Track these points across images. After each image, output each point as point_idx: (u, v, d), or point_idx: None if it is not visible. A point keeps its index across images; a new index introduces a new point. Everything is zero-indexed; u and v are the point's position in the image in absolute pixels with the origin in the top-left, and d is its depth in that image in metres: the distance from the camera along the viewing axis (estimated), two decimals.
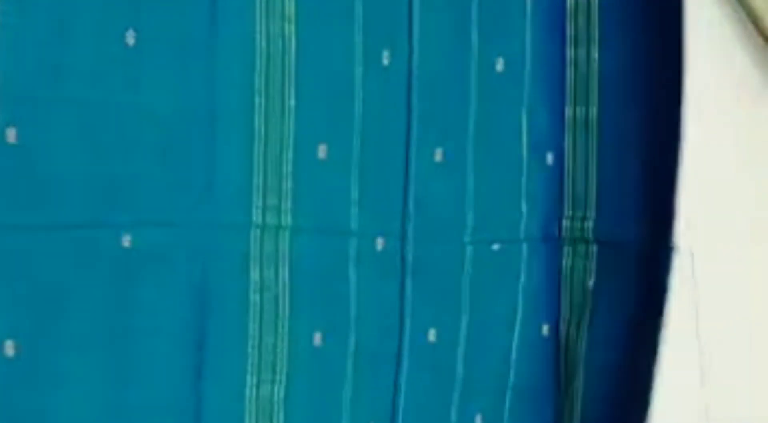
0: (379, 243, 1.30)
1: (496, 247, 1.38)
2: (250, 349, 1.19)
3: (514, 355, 1.41)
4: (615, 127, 1.41)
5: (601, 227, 1.42)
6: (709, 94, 1.54)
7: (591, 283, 1.42)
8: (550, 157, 1.43)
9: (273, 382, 1.21)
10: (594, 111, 1.42)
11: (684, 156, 1.34)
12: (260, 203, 1.19)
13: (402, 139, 1.31)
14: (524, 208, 1.41)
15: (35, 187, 1.05)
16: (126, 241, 1.11)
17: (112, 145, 1.09)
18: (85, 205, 1.08)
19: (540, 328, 1.44)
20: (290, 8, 1.20)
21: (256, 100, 1.19)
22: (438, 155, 1.33)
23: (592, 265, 1.43)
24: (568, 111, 1.43)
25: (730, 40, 1.57)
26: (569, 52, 1.43)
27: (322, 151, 1.24)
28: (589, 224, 1.42)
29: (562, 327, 1.45)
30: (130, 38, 1.10)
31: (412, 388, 1.32)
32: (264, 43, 1.19)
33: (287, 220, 1.21)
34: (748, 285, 1.63)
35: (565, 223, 1.44)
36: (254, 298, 1.19)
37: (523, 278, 1.41)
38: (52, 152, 1.06)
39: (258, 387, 1.20)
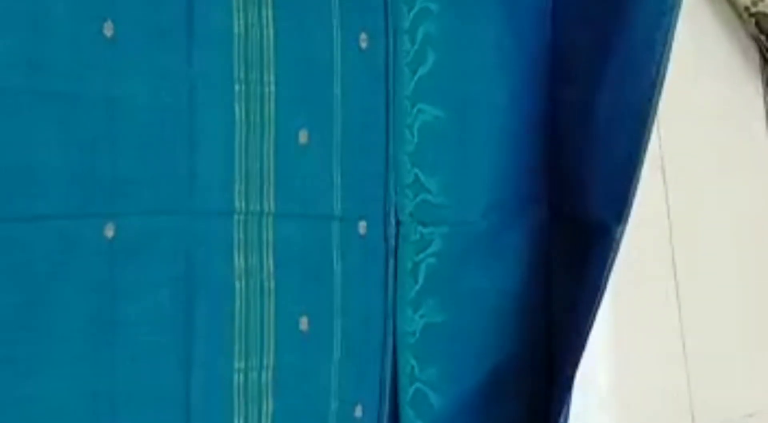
0: (362, 226, 1.30)
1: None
2: (236, 336, 1.19)
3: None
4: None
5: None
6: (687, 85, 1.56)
7: None
8: None
9: (261, 367, 1.21)
10: None
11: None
12: (242, 190, 1.20)
13: (382, 122, 1.31)
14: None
15: (14, 178, 1.05)
16: (109, 230, 1.11)
17: (92, 135, 1.09)
18: (66, 195, 1.08)
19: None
20: None
21: (236, 87, 1.19)
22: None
23: None
24: None
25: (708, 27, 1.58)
26: None
27: (303, 136, 1.24)
28: None
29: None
30: (108, 29, 1.10)
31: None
32: (242, 30, 1.19)
33: (270, 206, 1.22)
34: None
35: None
36: (239, 284, 1.20)
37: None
38: (30, 144, 1.06)
39: (246, 373, 1.20)
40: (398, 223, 1.33)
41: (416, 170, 1.33)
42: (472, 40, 1.38)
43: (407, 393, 1.33)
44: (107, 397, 1.11)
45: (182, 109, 1.15)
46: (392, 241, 1.32)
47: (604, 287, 1.32)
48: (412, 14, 1.33)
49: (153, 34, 1.13)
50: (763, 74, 1.80)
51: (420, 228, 1.34)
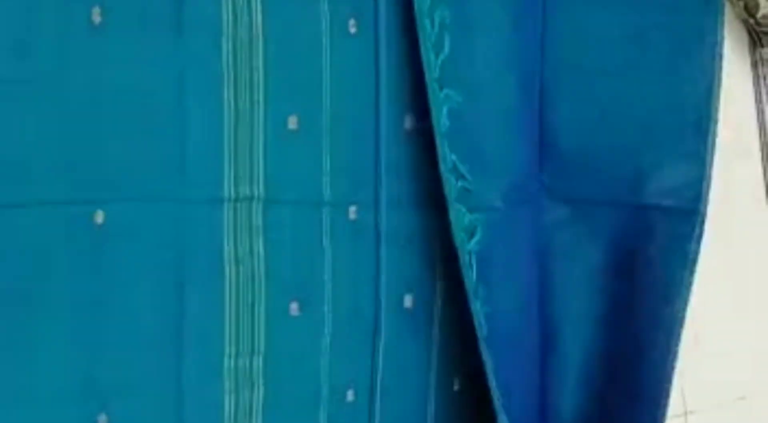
0: (352, 211, 1.30)
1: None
2: (227, 321, 1.20)
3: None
4: None
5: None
6: None
7: None
8: None
9: (252, 353, 1.21)
10: None
11: None
12: (232, 176, 1.20)
13: (371, 106, 1.31)
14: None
15: (4, 165, 1.05)
16: (99, 217, 1.11)
17: (82, 122, 1.09)
18: (55, 182, 1.08)
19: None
20: None
21: (225, 74, 1.19)
22: (408, 122, 1.33)
23: None
24: None
25: None
26: None
27: (292, 122, 1.24)
28: None
29: None
30: (96, 16, 1.10)
31: (389, 353, 1.33)
32: (231, 17, 1.19)
33: (260, 192, 1.22)
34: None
35: None
36: (229, 270, 1.20)
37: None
38: (19, 131, 1.06)
39: (237, 358, 1.20)
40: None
41: (453, 156, 1.32)
42: (482, 26, 1.38)
43: (497, 393, 1.33)
44: (97, 383, 1.11)
45: (171, 96, 1.15)
46: (383, 226, 1.32)
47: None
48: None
49: (141, 21, 1.13)
50: (751, 56, 1.80)
51: (468, 214, 1.33)
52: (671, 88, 1.39)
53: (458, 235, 1.31)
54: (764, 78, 1.82)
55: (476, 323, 1.31)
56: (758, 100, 1.82)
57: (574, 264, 1.45)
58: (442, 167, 1.30)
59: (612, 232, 1.42)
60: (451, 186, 1.31)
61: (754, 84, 1.81)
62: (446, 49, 1.32)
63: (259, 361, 1.22)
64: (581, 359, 1.45)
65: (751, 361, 1.77)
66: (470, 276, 1.31)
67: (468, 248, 1.32)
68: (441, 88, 1.30)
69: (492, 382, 1.31)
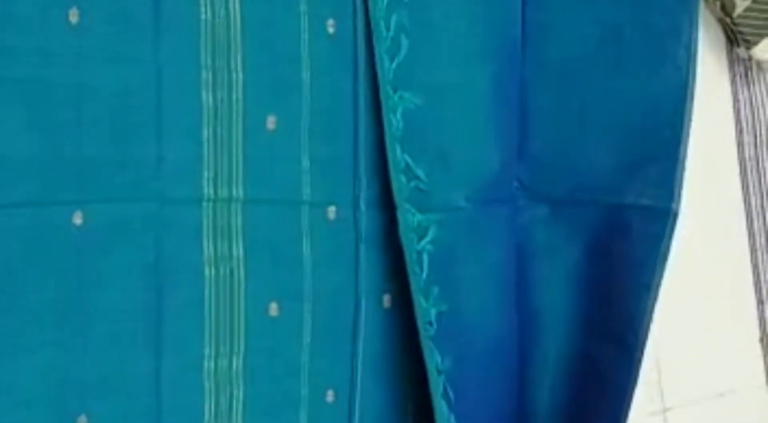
0: (331, 211, 1.30)
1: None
2: (206, 323, 1.20)
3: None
4: None
5: None
6: None
7: None
8: None
9: (231, 354, 1.21)
10: None
11: None
12: (211, 176, 1.20)
13: (350, 106, 1.31)
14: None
15: None
16: (77, 218, 1.10)
17: (58, 123, 1.09)
18: (33, 183, 1.07)
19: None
20: None
21: (203, 74, 1.19)
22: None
23: None
24: None
25: None
26: None
27: (270, 122, 1.24)
28: None
29: None
30: (73, 16, 1.10)
31: (369, 354, 1.33)
32: (209, 17, 1.19)
33: (239, 192, 1.22)
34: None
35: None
36: (208, 271, 1.20)
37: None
38: None
39: (216, 359, 1.20)
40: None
41: (406, 156, 1.32)
42: (445, 27, 1.38)
43: (438, 386, 1.32)
44: (76, 384, 1.11)
45: (149, 96, 1.15)
46: (363, 226, 1.32)
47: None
48: (385, 1, 1.32)
49: (119, 21, 1.13)
50: (728, 56, 1.80)
51: (418, 215, 1.33)
52: (647, 85, 1.39)
53: (406, 235, 1.31)
54: (741, 77, 1.83)
55: (421, 323, 1.31)
56: (735, 100, 1.83)
57: (552, 263, 1.46)
58: (392, 168, 1.31)
59: (590, 232, 1.43)
60: (401, 186, 1.31)
61: (731, 83, 1.82)
62: (403, 52, 1.32)
63: (238, 362, 1.22)
64: (558, 355, 1.45)
65: (730, 358, 1.78)
66: (419, 275, 1.32)
67: (417, 248, 1.32)
68: (395, 91, 1.31)
69: (433, 376, 1.31)
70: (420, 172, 1.33)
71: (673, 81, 1.36)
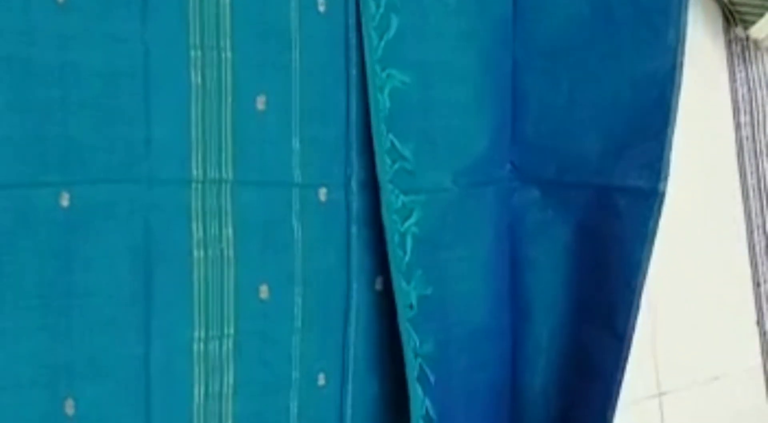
0: (322, 193, 1.29)
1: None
2: (196, 305, 1.18)
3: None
4: None
5: None
6: None
7: None
8: None
9: (221, 337, 1.20)
10: None
11: None
12: (200, 157, 1.18)
13: (342, 86, 1.30)
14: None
15: None
16: (64, 199, 1.09)
17: (44, 103, 1.08)
18: (19, 164, 1.06)
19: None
20: None
21: (192, 53, 1.18)
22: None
23: None
24: None
25: None
26: None
27: (260, 102, 1.23)
28: None
29: None
30: None
31: (361, 337, 1.32)
32: None
33: (228, 173, 1.20)
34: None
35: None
36: (198, 253, 1.18)
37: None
38: None
39: (206, 342, 1.19)
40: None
41: (391, 136, 1.31)
42: (435, 5, 1.37)
43: (414, 368, 1.32)
44: (64, 368, 1.10)
45: (137, 76, 1.14)
46: (354, 207, 1.31)
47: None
48: None
49: (105, 0, 1.11)
50: (725, 35, 1.80)
51: (402, 196, 1.32)
52: (636, 65, 1.37)
53: (388, 217, 1.30)
54: (738, 57, 1.82)
55: (400, 306, 1.30)
56: (732, 80, 1.82)
57: (544, 245, 1.45)
58: (377, 148, 1.30)
59: (581, 214, 1.42)
60: (385, 167, 1.30)
61: (728, 63, 1.81)
62: (392, 30, 1.31)
63: (228, 345, 1.21)
64: (550, 338, 1.44)
65: (726, 341, 1.78)
66: (401, 258, 1.31)
67: (401, 230, 1.31)
68: (383, 69, 1.30)
69: (409, 359, 1.31)
70: (406, 152, 1.32)
71: (663, 61, 1.35)
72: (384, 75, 1.31)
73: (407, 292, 1.31)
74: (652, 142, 1.34)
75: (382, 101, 1.30)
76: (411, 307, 1.32)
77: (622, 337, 1.35)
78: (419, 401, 1.31)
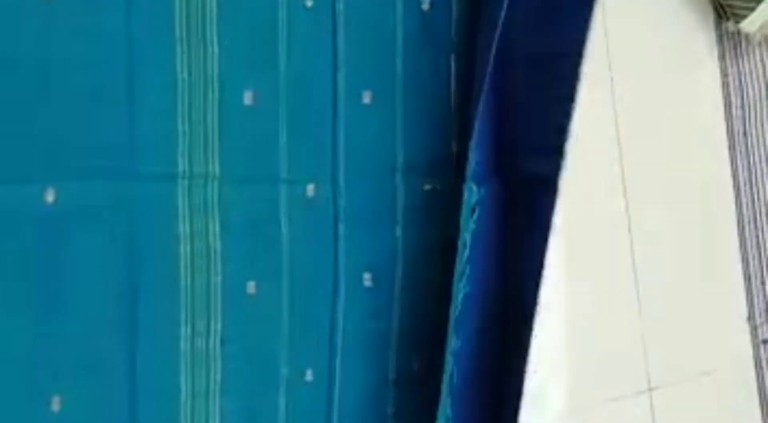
0: (310, 189, 1.28)
1: (427, 187, 1.37)
2: (182, 301, 1.18)
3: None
4: None
5: None
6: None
7: None
8: None
9: (208, 333, 1.20)
10: None
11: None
12: (186, 153, 1.18)
13: (329, 82, 1.30)
14: (455, 148, 1.39)
15: None
16: (49, 195, 1.09)
17: (28, 99, 1.07)
18: (3, 161, 1.06)
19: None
20: None
21: (178, 47, 1.17)
22: (366, 97, 1.32)
23: None
24: None
25: None
26: None
27: (248, 97, 1.22)
28: None
29: None
30: None
31: (348, 333, 1.32)
32: None
33: (215, 169, 1.20)
34: None
35: None
36: (184, 249, 1.18)
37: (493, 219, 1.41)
38: None
39: (192, 339, 1.19)
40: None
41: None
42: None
43: (448, 370, 1.30)
44: (49, 365, 1.10)
45: (120, 71, 1.13)
46: (342, 203, 1.31)
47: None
48: None
49: None
50: (716, 30, 1.80)
51: (476, 193, 1.31)
52: (546, 50, 1.36)
53: (465, 213, 1.30)
54: (730, 51, 1.82)
55: (453, 304, 1.29)
56: (724, 74, 1.82)
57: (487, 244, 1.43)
58: (472, 143, 1.29)
59: (506, 209, 1.40)
60: (470, 162, 1.29)
61: (720, 58, 1.81)
62: None
63: (215, 342, 1.21)
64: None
65: (717, 336, 1.77)
66: (463, 255, 1.30)
67: (470, 227, 1.30)
68: None
69: (450, 364, 1.29)
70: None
71: (566, 45, 1.32)
72: None
73: (457, 293, 1.30)
74: (556, 132, 1.32)
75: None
76: (456, 307, 1.30)
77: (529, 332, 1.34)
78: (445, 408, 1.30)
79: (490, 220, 1.35)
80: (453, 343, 1.30)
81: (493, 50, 1.31)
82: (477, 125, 1.31)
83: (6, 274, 1.07)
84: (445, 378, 1.29)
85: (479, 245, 1.33)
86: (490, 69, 1.32)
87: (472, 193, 1.30)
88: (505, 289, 1.39)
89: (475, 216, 1.31)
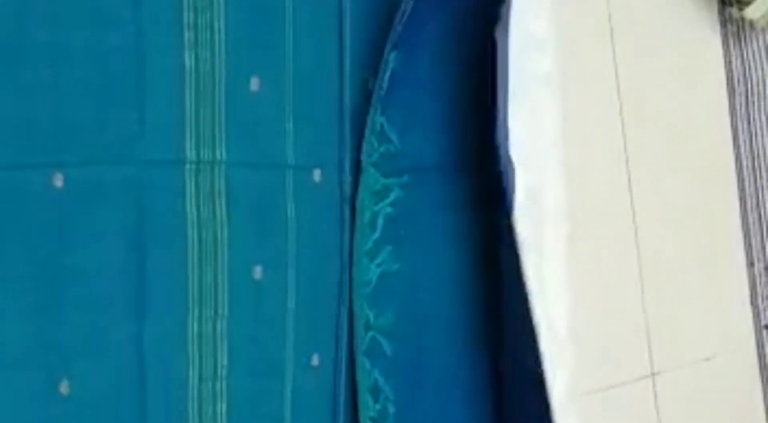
0: (316, 174, 1.29)
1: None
2: (190, 286, 1.18)
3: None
4: None
5: None
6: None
7: None
8: None
9: (215, 317, 1.20)
10: None
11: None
12: (193, 138, 1.18)
13: (335, 67, 1.30)
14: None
15: None
16: (58, 180, 1.09)
17: (36, 83, 1.07)
18: (11, 145, 1.06)
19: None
20: None
21: (185, 34, 1.17)
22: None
23: None
24: None
25: None
26: None
27: (254, 83, 1.23)
28: None
29: None
30: None
31: (355, 319, 1.32)
32: None
33: (222, 154, 1.20)
34: None
35: None
36: (191, 234, 1.18)
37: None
38: None
39: (200, 323, 1.19)
40: (359, 170, 1.31)
41: (383, 119, 1.32)
42: None
43: (363, 342, 1.33)
44: (57, 349, 1.10)
45: (129, 56, 1.13)
46: (347, 189, 1.31)
47: None
48: None
49: None
50: (720, 15, 1.80)
51: (381, 179, 1.32)
52: None
53: (364, 197, 1.31)
54: (733, 37, 1.82)
55: (357, 283, 1.32)
56: (727, 60, 1.82)
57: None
58: (367, 131, 1.31)
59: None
60: (372, 149, 1.31)
61: (723, 43, 1.81)
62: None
63: (223, 326, 1.21)
64: None
65: (718, 321, 1.78)
66: (367, 236, 1.32)
67: (374, 209, 1.32)
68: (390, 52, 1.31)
69: (359, 330, 1.33)
70: (393, 135, 1.32)
71: None
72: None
73: (367, 269, 1.32)
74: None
75: (378, 84, 1.30)
76: (368, 283, 1.32)
77: None
78: (366, 373, 1.32)
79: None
80: (370, 318, 1.33)
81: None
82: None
83: (14, 258, 1.07)
84: (358, 352, 1.32)
85: (416, 226, 1.37)
86: None
87: (375, 181, 1.33)
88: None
89: (389, 200, 1.34)
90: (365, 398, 1.33)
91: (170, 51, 1.16)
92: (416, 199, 1.36)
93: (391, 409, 1.34)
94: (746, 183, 1.84)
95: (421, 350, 1.38)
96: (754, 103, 1.83)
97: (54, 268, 1.10)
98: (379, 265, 1.33)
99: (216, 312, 1.21)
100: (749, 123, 1.84)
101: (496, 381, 1.44)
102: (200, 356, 1.19)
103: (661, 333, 1.65)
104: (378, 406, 1.33)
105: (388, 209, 1.33)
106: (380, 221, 1.33)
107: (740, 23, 1.80)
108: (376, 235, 1.32)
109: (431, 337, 1.39)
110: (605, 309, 1.57)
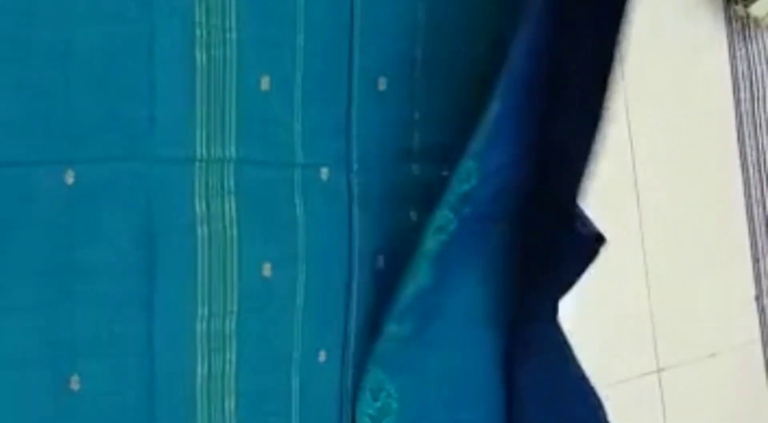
0: (324, 173, 1.29)
1: (444, 173, 1.38)
2: (199, 283, 1.19)
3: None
4: None
5: None
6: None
7: None
8: None
9: (224, 314, 1.21)
10: None
11: None
12: (204, 136, 1.19)
13: (345, 68, 1.31)
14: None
15: None
16: (69, 177, 1.10)
17: (48, 81, 1.08)
18: (23, 142, 1.07)
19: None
20: None
21: (197, 32, 1.18)
22: (381, 84, 1.33)
23: None
24: None
25: None
26: None
27: (264, 82, 1.23)
28: None
29: None
30: None
31: (363, 315, 1.33)
32: None
33: (231, 152, 1.21)
34: None
35: None
36: (201, 231, 1.19)
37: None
38: None
39: (209, 320, 1.20)
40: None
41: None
42: None
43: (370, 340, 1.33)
44: (67, 345, 1.11)
45: (141, 54, 1.14)
46: (355, 188, 1.32)
47: None
48: None
49: None
50: (725, 12, 1.80)
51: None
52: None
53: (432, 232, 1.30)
54: (738, 34, 1.82)
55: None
56: (732, 57, 1.82)
57: None
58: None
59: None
60: (454, 189, 1.30)
61: (728, 40, 1.82)
62: None
63: (231, 323, 1.22)
64: None
65: (724, 317, 1.78)
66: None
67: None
68: None
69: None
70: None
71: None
72: None
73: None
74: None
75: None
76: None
77: None
78: (369, 371, 1.34)
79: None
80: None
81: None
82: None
83: (25, 254, 1.08)
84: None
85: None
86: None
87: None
88: None
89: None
90: (365, 396, 1.33)
91: (181, 49, 1.16)
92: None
93: (394, 405, 1.35)
94: (751, 179, 1.84)
95: (428, 348, 1.38)
96: (758, 100, 1.84)
97: (64, 264, 1.10)
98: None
99: (225, 309, 1.21)
100: (754, 119, 1.84)
101: (505, 378, 1.45)
102: (209, 353, 1.20)
103: (667, 329, 1.66)
104: (378, 404, 1.34)
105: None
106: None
107: (745, 20, 1.80)
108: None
109: (439, 336, 1.40)
110: (612, 306, 1.58)
